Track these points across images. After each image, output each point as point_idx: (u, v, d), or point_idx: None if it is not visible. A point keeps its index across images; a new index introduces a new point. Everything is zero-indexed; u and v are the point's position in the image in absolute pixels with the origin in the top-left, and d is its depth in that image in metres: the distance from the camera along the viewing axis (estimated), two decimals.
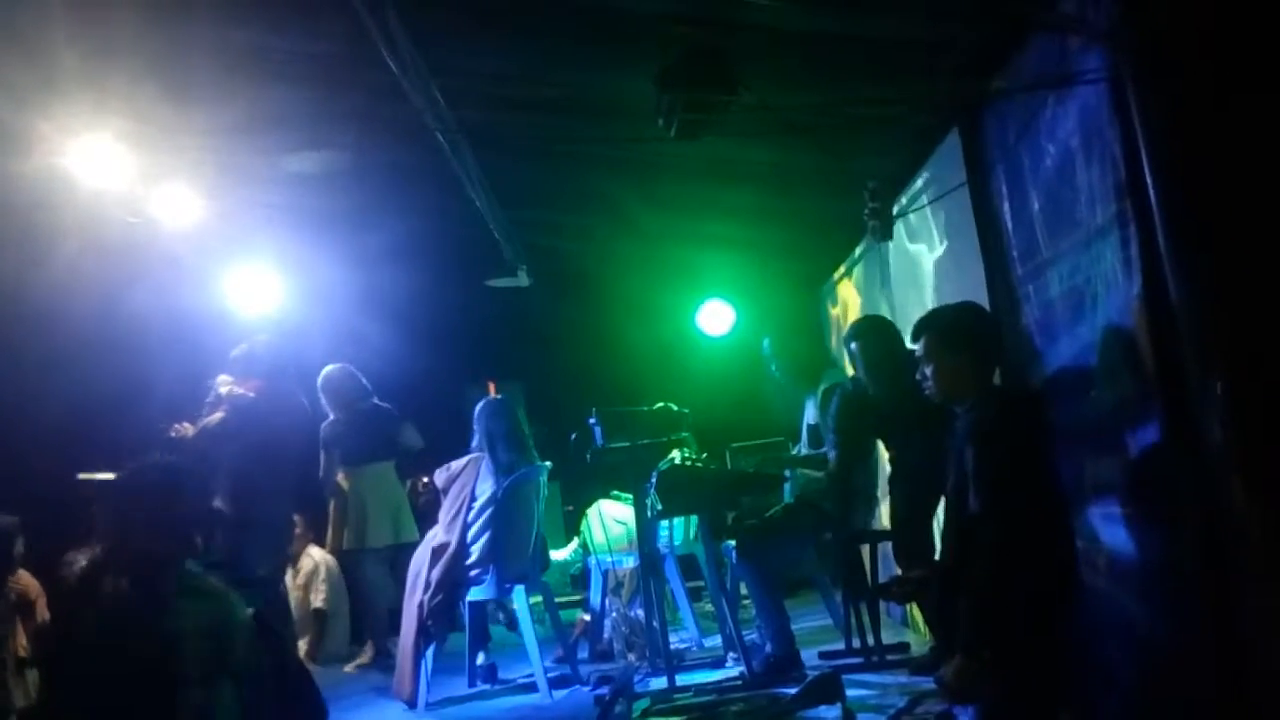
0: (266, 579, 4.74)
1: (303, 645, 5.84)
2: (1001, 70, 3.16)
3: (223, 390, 4.86)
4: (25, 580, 4.63)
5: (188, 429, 4.90)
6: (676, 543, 5.30)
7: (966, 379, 2.80)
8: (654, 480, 4.23)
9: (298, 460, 5.10)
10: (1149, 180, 2.42)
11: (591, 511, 5.44)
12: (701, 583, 5.71)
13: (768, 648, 4.08)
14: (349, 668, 5.53)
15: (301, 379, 5.27)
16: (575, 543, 5.91)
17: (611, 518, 5.36)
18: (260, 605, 3.81)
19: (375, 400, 5.55)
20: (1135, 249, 2.52)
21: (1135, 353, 2.59)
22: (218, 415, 4.83)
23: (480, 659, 4.68)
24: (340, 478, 5.49)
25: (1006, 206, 3.43)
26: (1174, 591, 2.47)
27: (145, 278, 5.06)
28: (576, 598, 6.08)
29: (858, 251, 5.41)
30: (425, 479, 5.40)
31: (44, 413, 4.99)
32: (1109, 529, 2.88)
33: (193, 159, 4.48)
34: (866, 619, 4.23)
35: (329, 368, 5.56)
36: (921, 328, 2.89)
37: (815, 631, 4.93)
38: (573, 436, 4.37)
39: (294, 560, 6.13)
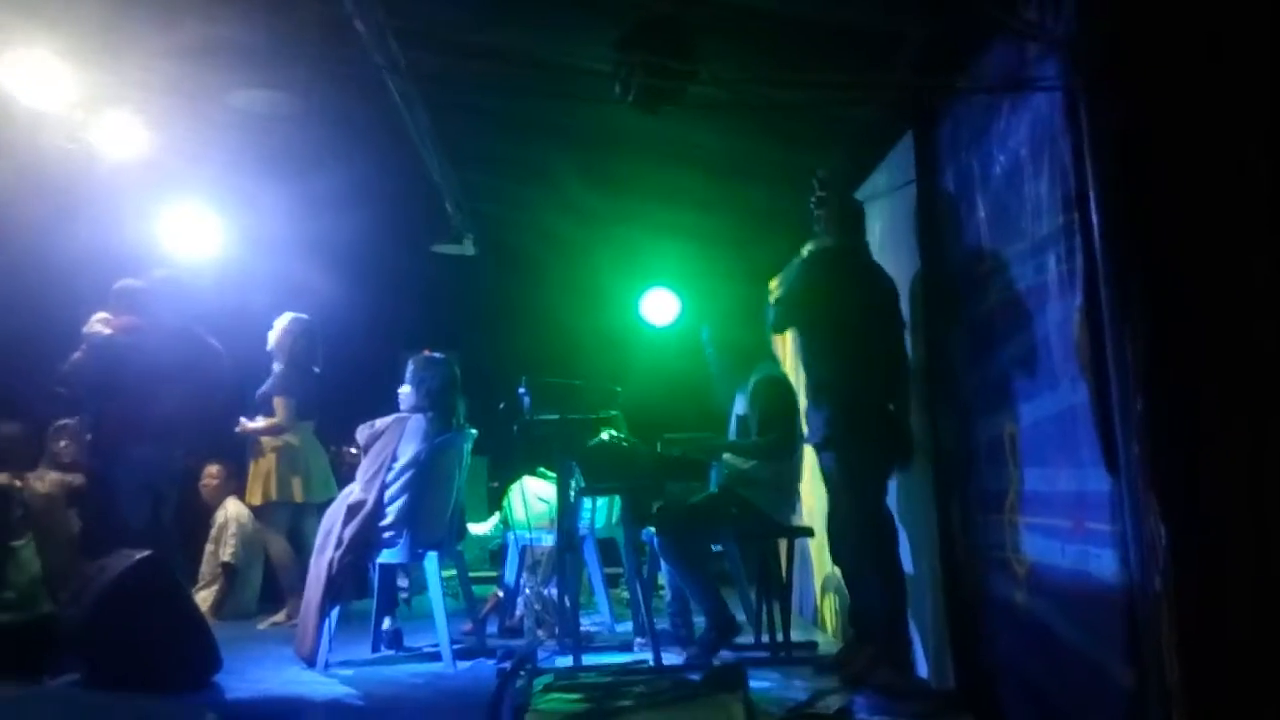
0: (147, 531, 4.47)
1: (208, 598, 5.70)
2: (960, 74, 3.17)
3: (87, 329, 4.60)
4: None
5: None
6: (598, 525, 5.27)
7: None
8: (580, 455, 4.19)
9: (187, 404, 4.66)
10: (1092, 193, 2.44)
11: (515, 487, 5.39)
12: (620, 569, 5.69)
13: (700, 622, 4.07)
14: (263, 624, 5.40)
15: (210, 320, 4.99)
16: (496, 518, 5.84)
17: (535, 495, 5.31)
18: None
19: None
20: (1079, 262, 2.54)
21: (1070, 367, 2.61)
22: (75, 356, 4.56)
23: (386, 624, 4.59)
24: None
25: (952, 213, 3.44)
26: (1092, 607, 2.49)
27: (83, 206, 4.87)
28: (494, 574, 6.01)
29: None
30: (352, 449, 5.27)
31: None
32: (1031, 540, 2.90)
33: (138, 85, 4.32)
34: (778, 615, 4.24)
35: (297, 315, 5.44)
36: None
37: None
38: (500, 405, 4.31)
39: (209, 512, 6.00)
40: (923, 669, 3.72)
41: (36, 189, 4.58)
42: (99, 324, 4.62)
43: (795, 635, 4.36)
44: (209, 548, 5.90)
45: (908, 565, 3.88)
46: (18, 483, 5.09)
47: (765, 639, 4.26)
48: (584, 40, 3.12)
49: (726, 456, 4.34)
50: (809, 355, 3.77)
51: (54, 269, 4.82)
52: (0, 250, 4.77)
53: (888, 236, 4.16)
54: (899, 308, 3.72)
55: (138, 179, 4.88)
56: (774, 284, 6.17)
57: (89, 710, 3.37)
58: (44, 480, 5.23)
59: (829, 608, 5.08)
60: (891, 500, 3.74)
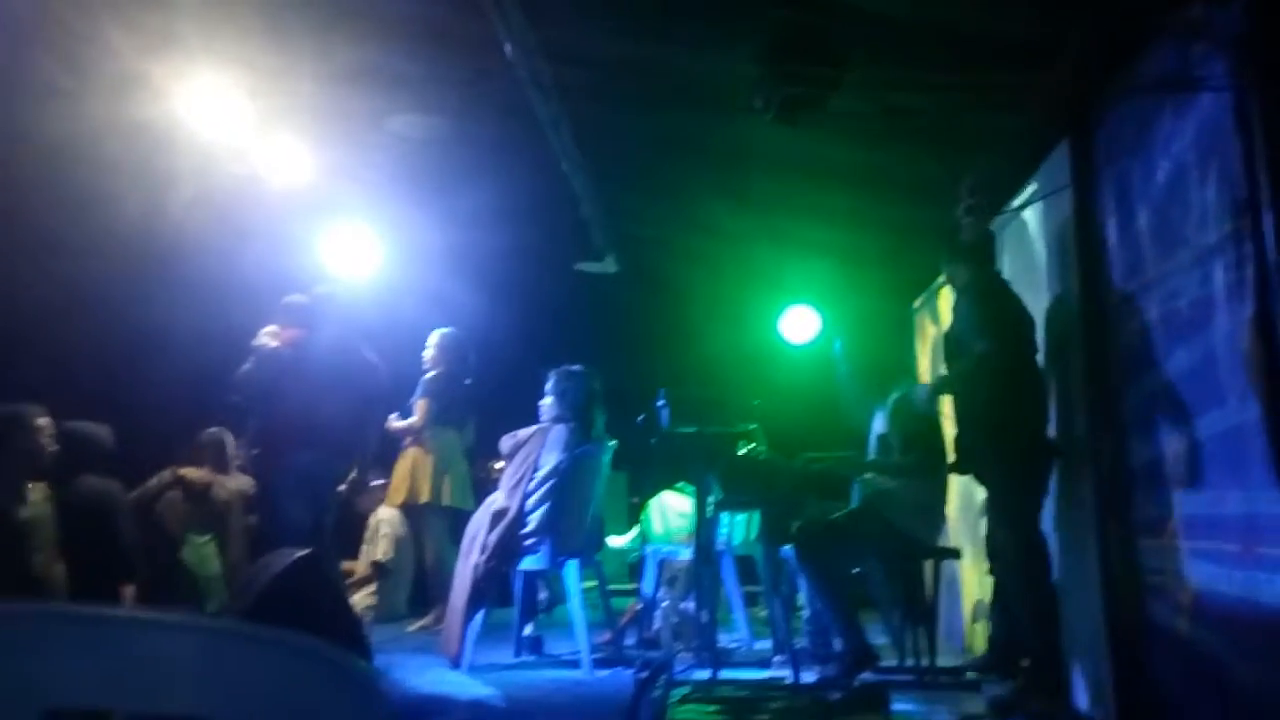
0: (308, 532, 4.56)
1: (362, 599, 5.93)
2: (1120, 77, 3.05)
3: (256, 341, 4.83)
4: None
5: None
6: (736, 542, 5.24)
7: None
8: (718, 468, 4.18)
9: (345, 414, 4.83)
10: (1264, 197, 2.31)
11: (654, 502, 5.43)
12: (759, 588, 5.64)
13: (837, 645, 3.99)
14: (412, 627, 5.57)
15: (367, 334, 5.16)
16: (635, 531, 5.89)
17: (674, 510, 5.34)
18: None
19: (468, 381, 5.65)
20: (1250, 271, 2.40)
21: (1239, 382, 2.47)
22: (245, 366, 4.81)
23: (528, 630, 4.69)
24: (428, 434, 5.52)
25: (1111, 222, 3.31)
26: (1263, 637, 2.34)
27: (255, 227, 5.17)
28: (632, 588, 6.05)
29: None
30: (497, 464, 5.40)
31: (170, 346, 5.09)
32: (1195, 565, 2.74)
33: (303, 112, 4.56)
34: (923, 640, 4.11)
35: (446, 329, 5.67)
36: None
37: None
38: (639, 418, 4.35)
39: (366, 517, 6.25)
40: (1081, 699, 3.55)
41: (211, 213, 4.88)
42: (267, 337, 4.87)
43: (941, 661, 4.22)
44: (363, 549, 6.15)
45: (1068, 590, 3.72)
46: (206, 480, 5.44)
47: (909, 663, 4.13)
48: (726, 54, 3.14)
49: (868, 475, 4.26)
50: (962, 382, 3.73)
51: (236, 286, 5.13)
52: (179, 266, 5.10)
53: (1043, 249, 4.02)
54: (1034, 332, 3.70)
55: (301, 200, 5.16)
56: (918, 302, 6.04)
57: None
58: (229, 483, 5.56)
59: (979, 634, 4.90)
60: (1050, 523, 3.62)
